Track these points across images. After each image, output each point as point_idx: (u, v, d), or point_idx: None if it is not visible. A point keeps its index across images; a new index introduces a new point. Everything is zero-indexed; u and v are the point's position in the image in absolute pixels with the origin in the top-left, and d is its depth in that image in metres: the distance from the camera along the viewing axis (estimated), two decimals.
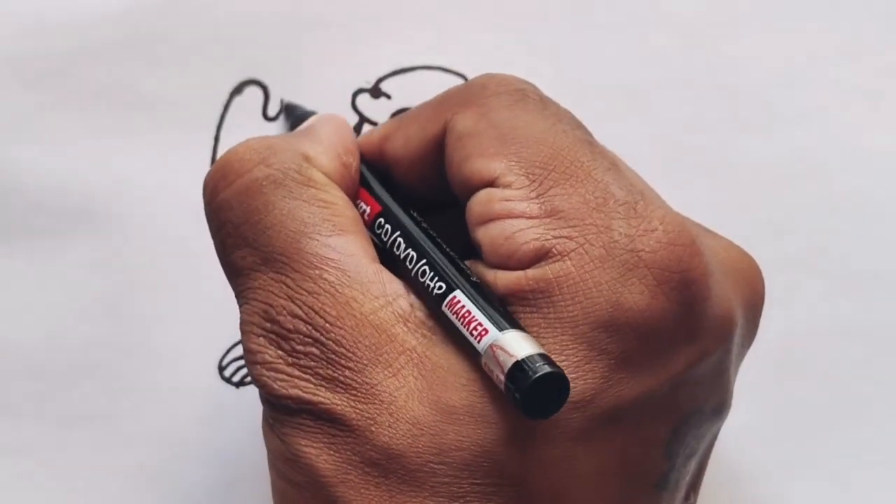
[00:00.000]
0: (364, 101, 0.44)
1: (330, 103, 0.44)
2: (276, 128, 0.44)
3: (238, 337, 0.42)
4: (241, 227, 0.33)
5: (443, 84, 0.43)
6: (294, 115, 0.42)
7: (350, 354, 0.30)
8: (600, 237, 0.31)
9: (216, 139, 0.44)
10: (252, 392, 0.43)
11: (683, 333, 0.31)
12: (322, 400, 0.30)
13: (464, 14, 0.44)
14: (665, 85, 0.44)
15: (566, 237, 0.31)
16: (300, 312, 0.31)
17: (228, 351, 0.43)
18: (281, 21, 0.44)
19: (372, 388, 0.30)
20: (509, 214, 0.31)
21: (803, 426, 0.43)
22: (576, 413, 0.30)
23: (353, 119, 0.44)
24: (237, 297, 0.33)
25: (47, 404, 0.43)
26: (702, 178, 0.44)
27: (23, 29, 0.43)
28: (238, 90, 0.44)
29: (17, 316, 0.43)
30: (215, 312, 0.43)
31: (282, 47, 0.44)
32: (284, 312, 0.31)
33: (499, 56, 0.44)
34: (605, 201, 0.31)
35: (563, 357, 0.30)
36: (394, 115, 0.44)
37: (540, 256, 0.31)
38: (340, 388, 0.30)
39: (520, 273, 0.31)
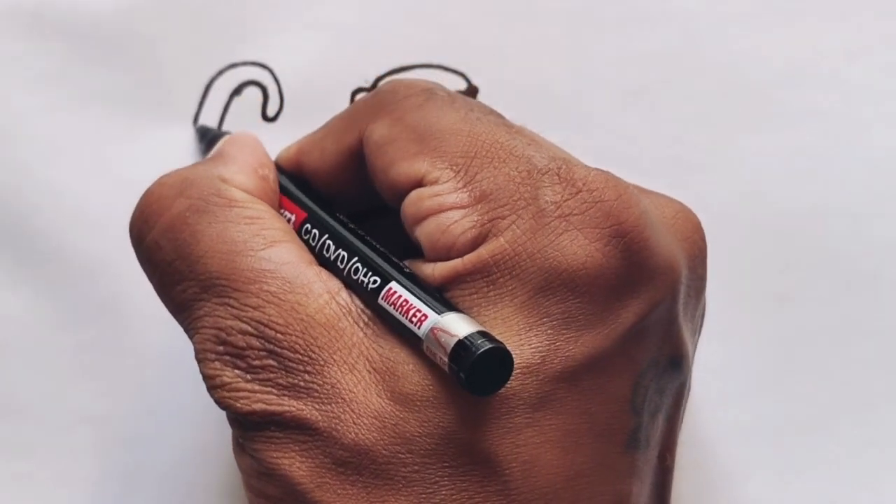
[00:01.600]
0: None
1: (329, 102, 0.43)
2: (276, 129, 0.44)
3: None
4: (175, 262, 0.33)
5: (442, 82, 0.44)
6: (206, 139, 0.42)
7: (306, 358, 0.31)
8: (529, 209, 0.31)
9: None
10: None
11: (626, 285, 0.31)
12: (287, 408, 0.31)
13: (463, 12, 0.44)
14: (668, 83, 0.44)
15: (499, 217, 0.31)
16: (249, 328, 0.31)
17: None
18: (279, 21, 0.44)
19: (332, 387, 0.31)
20: (441, 208, 0.32)
21: (803, 426, 0.43)
22: (529, 379, 0.30)
23: None
24: (186, 331, 0.34)
25: (47, 406, 0.43)
26: (704, 176, 0.44)
27: (21, 30, 0.43)
28: (237, 91, 0.44)
29: (16, 317, 0.43)
30: None
31: (280, 47, 0.44)
32: (234, 332, 0.32)
33: (498, 54, 0.44)
34: (529, 174, 0.32)
35: (505, 328, 0.30)
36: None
37: (478, 242, 0.31)
38: (303, 392, 0.31)
39: (456, 260, 0.31)
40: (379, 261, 0.33)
